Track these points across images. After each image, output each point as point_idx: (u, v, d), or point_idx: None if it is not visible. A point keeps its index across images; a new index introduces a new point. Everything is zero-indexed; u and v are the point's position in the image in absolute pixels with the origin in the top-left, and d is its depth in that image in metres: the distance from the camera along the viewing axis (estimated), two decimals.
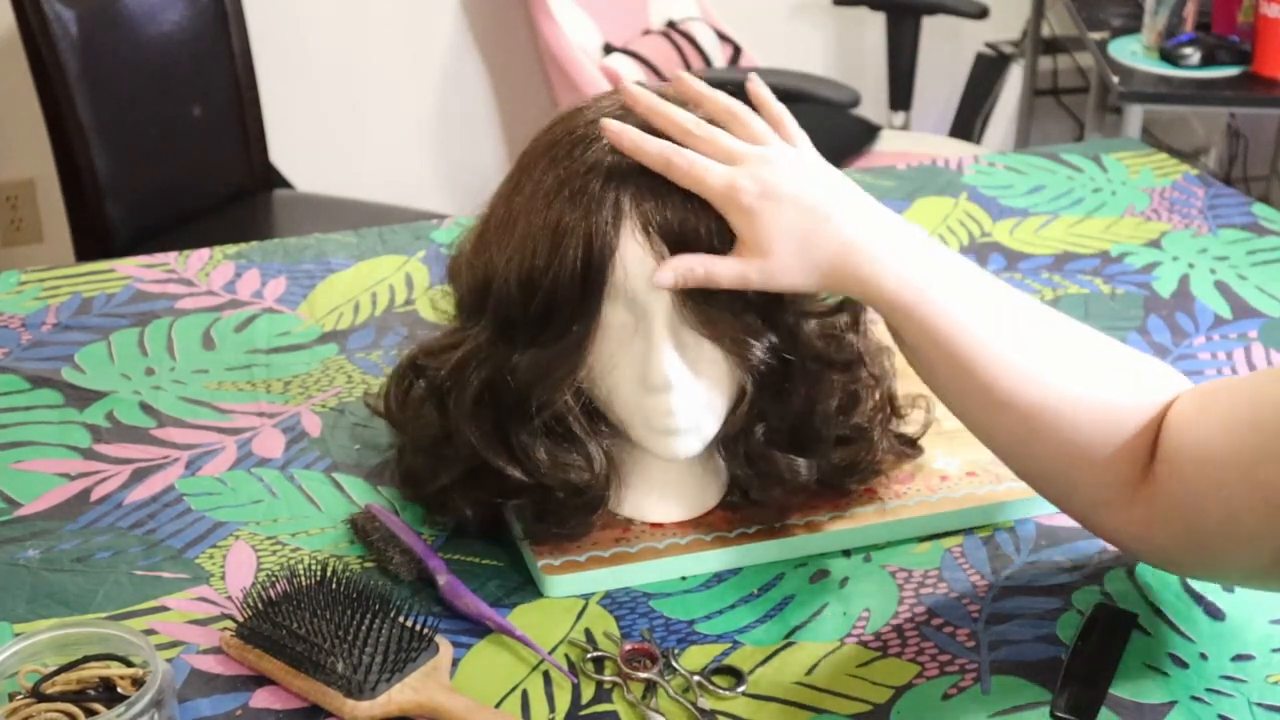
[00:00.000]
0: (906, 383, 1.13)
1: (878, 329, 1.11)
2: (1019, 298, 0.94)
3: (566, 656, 0.94)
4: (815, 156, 0.95)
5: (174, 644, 0.94)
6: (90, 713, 0.83)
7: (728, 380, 0.97)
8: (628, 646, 0.93)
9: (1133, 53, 2.65)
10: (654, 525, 1.03)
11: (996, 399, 0.90)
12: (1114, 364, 0.93)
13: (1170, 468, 0.88)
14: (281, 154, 2.72)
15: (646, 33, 2.96)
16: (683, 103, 0.97)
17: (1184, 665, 0.93)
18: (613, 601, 0.99)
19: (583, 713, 0.89)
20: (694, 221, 0.92)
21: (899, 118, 3.17)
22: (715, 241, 0.92)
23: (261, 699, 0.90)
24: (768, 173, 0.90)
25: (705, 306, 0.92)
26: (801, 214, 0.89)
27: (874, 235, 0.90)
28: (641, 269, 0.92)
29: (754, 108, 0.97)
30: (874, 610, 0.98)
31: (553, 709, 0.89)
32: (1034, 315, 0.93)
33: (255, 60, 2.52)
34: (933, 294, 0.90)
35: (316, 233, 1.56)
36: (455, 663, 0.93)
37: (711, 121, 0.95)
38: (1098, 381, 0.91)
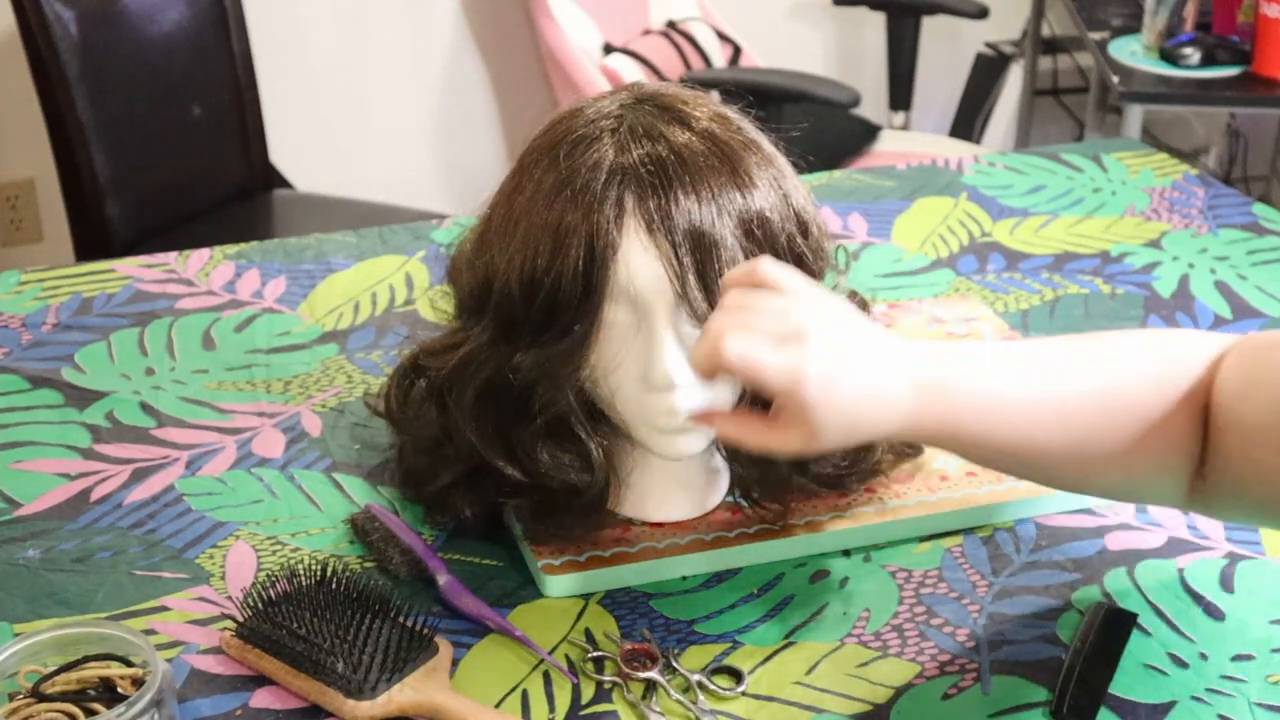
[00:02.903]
0: None
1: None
2: (1022, 350, 0.91)
3: (566, 656, 0.94)
4: (836, 306, 0.88)
5: (174, 644, 0.94)
6: (90, 713, 0.83)
7: (730, 379, 0.97)
8: (628, 646, 0.93)
9: (1133, 53, 2.65)
10: (654, 525, 1.03)
11: (1056, 458, 0.89)
12: (1134, 354, 0.91)
13: (1217, 440, 0.87)
14: (281, 154, 2.72)
15: (646, 33, 2.96)
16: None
17: (1184, 665, 0.93)
18: (613, 601, 0.99)
19: (583, 713, 0.89)
20: (698, 219, 0.92)
21: (899, 118, 3.17)
22: (718, 238, 0.92)
23: (261, 699, 0.90)
24: (820, 357, 0.83)
25: (707, 305, 0.92)
26: (852, 404, 0.84)
27: (900, 394, 0.85)
28: (644, 267, 0.92)
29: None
30: (874, 610, 0.98)
31: (553, 709, 0.89)
32: (1046, 357, 0.91)
33: (255, 60, 2.52)
34: (958, 420, 0.86)
35: (316, 233, 1.56)
36: (455, 663, 0.93)
37: None
38: (1126, 381, 0.89)
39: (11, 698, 0.85)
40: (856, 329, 0.86)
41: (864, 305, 1.08)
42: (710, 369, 0.86)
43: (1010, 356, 0.90)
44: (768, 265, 0.87)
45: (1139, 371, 0.90)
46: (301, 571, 0.93)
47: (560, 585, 0.99)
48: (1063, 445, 0.88)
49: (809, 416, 0.83)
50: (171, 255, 1.49)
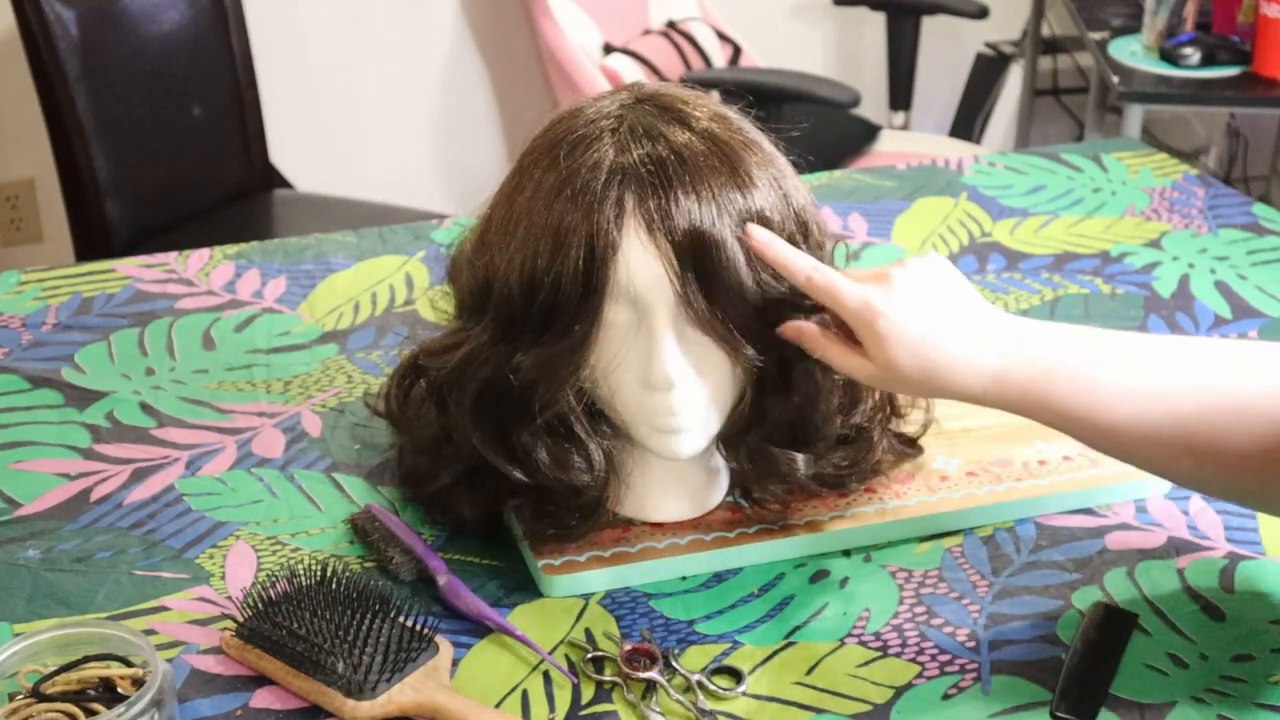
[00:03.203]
0: None
1: None
2: (1129, 337, 0.93)
3: (566, 656, 0.94)
4: (937, 269, 0.94)
5: (174, 644, 0.94)
6: (90, 713, 0.83)
7: (729, 379, 0.97)
8: (628, 646, 0.93)
9: (1133, 53, 2.65)
10: (654, 525, 1.03)
11: (1165, 450, 0.89)
12: (1255, 361, 0.91)
13: None
14: (281, 154, 2.72)
15: (646, 33, 2.96)
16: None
17: (1184, 665, 0.93)
18: (613, 601, 0.99)
19: (583, 713, 0.89)
20: (698, 218, 0.92)
21: (899, 118, 3.17)
22: (718, 238, 0.92)
23: (261, 699, 0.90)
24: (900, 300, 0.90)
25: (707, 305, 0.92)
26: (924, 349, 0.90)
27: (985, 357, 0.90)
28: (644, 268, 0.92)
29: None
30: (874, 610, 0.98)
31: (553, 709, 0.89)
32: (1156, 348, 0.92)
33: (255, 60, 2.52)
34: (1049, 387, 0.89)
35: (316, 233, 1.57)
36: (455, 663, 0.93)
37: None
38: (1234, 376, 0.89)
39: (11, 698, 0.85)
40: (950, 293, 0.92)
41: None
42: (792, 273, 0.93)
43: (1114, 341, 0.92)
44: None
45: (1260, 379, 0.89)
46: (301, 571, 0.93)
47: (560, 585, 0.99)
48: (1170, 437, 0.88)
49: (881, 350, 0.90)
50: (171, 255, 1.49)
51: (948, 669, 0.93)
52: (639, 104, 0.97)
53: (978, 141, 3.34)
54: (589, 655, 0.93)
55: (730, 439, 1.01)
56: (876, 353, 0.90)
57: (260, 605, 0.93)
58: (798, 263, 0.93)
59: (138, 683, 0.85)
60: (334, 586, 0.92)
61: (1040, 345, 0.90)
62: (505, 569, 1.02)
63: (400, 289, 1.42)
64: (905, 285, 0.91)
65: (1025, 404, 0.90)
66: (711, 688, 0.91)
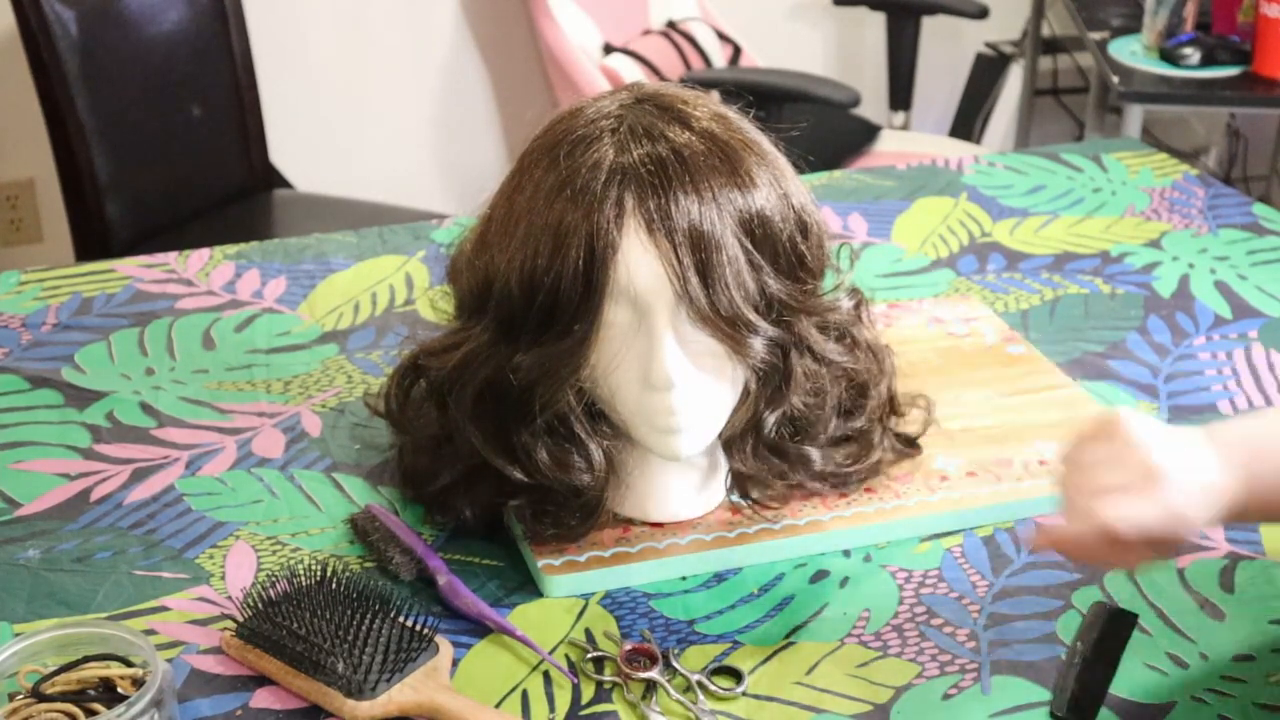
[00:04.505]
0: (906, 382, 1.13)
1: (878, 326, 1.11)
2: None
3: (566, 656, 0.94)
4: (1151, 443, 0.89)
5: (174, 644, 0.94)
6: (90, 713, 0.83)
7: (729, 378, 0.97)
8: (628, 646, 0.93)
9: (1133, 53, 2.65)
10: (654, 525, 1.03)
11: None
12: None
13: None
14: (281, 154, 2.72)
15: (646, 33, 2.96)
16: None
17: (1184, 665, 0.93)
18: (613, 601, 0.99)
19: (583, 713, 0.89)
20: (698, 218, 0.92)
21: (899, 118, 3.17)
22: (718, 237, 0.92)
23: (261, 699, 0.90)
24: (1185, 493, 0.86)
25: (707, 305, 0.92)
26: (1197, 515, 0.86)
27: (1226, 488, 0.88)
28: (644, 267, 0.92)
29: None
30: (874, 610, 0.98)
31: (553, 709, 0.89)
32: None
33: (255, 60, 2.51)
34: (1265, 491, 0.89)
35: (316, 233, 1.57)
36: (455, 663, 0.93)
37: None
38: None
39: (11, 698, 0.85)
40: (1182, 445, 0.87)
41: (863, 302, 1.08)
42: (1097, 549, 0.88)
43: None
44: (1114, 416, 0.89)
45: None
46: (301, 571, 0.93)
47: (560, 585, 0.99)
48: None
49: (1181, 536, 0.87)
50: (171, 255, 1.49)
51: (948, 669, 0.93)
52: (639, 104, 0.97)
53: (978, 141, 3.34)
54: (589, 655, 0.93)
55: (730, 439, 1.01)
56: (1168, 540, 0.89)
57: (260, 605, 0.93)
58: (1076, 530, 0.89)
59: (138, 683, 0.85)
60: (334, 586, 0.93)
61: (1244, 451, 0.89)
62: (505, 569, 1.02)
63: (400, 289, 1.42)
64: (1176, 470, 0.86)
65: (1265, 513, 0.91)
66: (711, 688, 0.91)
